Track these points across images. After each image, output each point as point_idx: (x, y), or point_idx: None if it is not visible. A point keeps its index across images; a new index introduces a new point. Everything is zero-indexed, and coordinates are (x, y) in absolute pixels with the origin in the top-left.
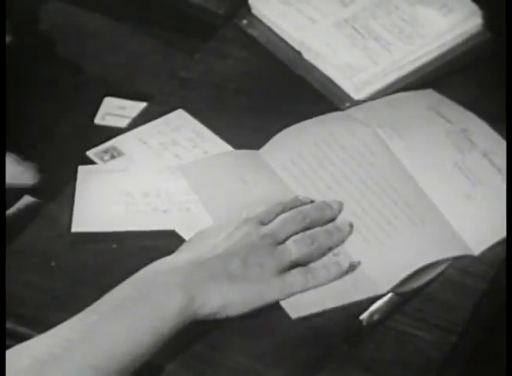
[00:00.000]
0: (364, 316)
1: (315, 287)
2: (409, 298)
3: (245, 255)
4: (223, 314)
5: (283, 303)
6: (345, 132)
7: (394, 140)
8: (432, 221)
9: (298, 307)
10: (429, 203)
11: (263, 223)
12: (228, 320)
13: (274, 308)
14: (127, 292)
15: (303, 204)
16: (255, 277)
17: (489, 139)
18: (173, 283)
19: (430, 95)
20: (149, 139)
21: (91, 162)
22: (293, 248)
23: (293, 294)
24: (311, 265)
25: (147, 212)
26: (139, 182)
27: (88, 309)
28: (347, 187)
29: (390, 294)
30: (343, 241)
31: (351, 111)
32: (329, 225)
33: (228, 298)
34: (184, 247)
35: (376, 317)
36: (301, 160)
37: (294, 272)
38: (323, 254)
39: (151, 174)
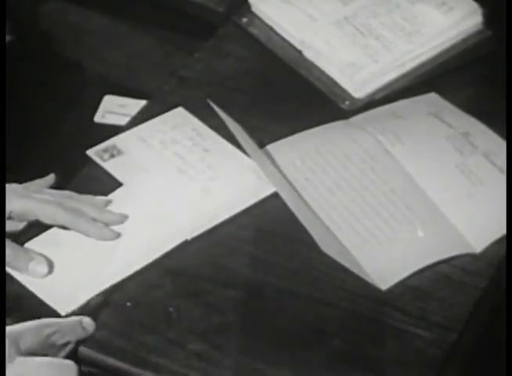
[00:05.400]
0: None
1: None
2: None
3: None
4: None
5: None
6: (347, 140)
7: (396, 146)
8: (433, 221)
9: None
10: (430, 204)
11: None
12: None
13: (275, 308)
14: None
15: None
16: None
17: (490, 141)
18: None
19: (432, 101)
20: (149, 137)
21: (91, 161)
22: None
23: None
24: None
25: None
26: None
27: None
28: (347, 190)
29: None
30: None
31: (355, 120)
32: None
33: None
34: None
35: None
36: (302, 164)
37: None
38: None
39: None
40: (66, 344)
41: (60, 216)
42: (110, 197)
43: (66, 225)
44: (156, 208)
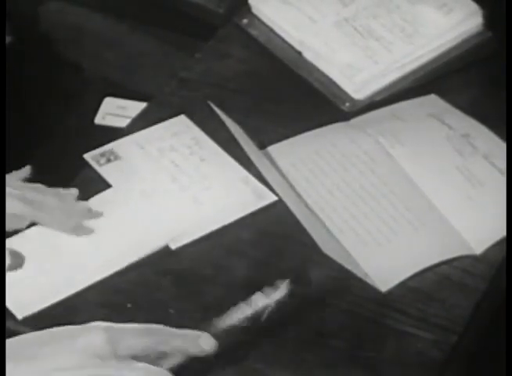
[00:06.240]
0: None
1: None
2: None
3: None
4: None
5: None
6: (347, 142)
7: (396, 148)
8: (433, 222)
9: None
10: (430, 205)
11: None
12: None
13: (275, 309)
14: None
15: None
16: None
17: (490, 142)
18: None
19: (432, 102)
20: (148, 143)
21: (89, 164)
22: None
23: None
24: None
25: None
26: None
27: None
28: (347, 192)
29: None
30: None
31: (355, 121)
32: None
33: None
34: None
35: None
36: (303, 166)
37: None
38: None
39: None
40: (172, 356)
41: (19, 208)
42: (96, 197)
43: (27, 217)
44: (139, 214)
